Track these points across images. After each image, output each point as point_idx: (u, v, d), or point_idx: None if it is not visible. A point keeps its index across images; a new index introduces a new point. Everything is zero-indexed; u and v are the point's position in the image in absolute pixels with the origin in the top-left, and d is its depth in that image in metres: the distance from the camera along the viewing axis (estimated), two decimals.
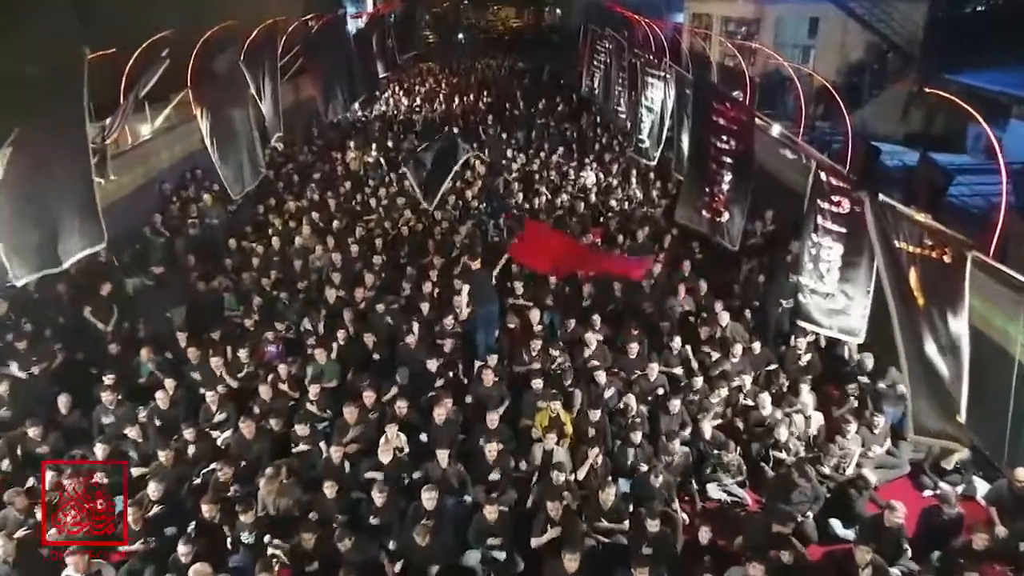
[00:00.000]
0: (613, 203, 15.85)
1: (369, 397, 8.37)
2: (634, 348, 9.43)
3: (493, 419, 7.87)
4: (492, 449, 7.40)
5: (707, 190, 10.85)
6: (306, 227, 13.46)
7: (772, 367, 9.63)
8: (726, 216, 10.78)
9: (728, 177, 10.58)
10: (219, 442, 8.29)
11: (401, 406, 8.17)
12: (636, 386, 8.98)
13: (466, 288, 9.64)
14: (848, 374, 9.45)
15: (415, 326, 10.03)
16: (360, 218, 14.97)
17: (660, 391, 8.96)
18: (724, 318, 10.28)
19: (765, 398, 8.30)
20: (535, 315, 10.23)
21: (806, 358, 9.60)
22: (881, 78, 19.59)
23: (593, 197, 16.14)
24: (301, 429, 7.86)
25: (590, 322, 10.26)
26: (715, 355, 9.77)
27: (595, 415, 8.07)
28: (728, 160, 10.50)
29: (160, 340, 9.92)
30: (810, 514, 7.03)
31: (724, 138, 10.50)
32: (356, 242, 12.95)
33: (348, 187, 16.41)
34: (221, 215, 13.88)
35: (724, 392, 8.57)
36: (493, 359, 8.96)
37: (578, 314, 10.87)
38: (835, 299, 8.34)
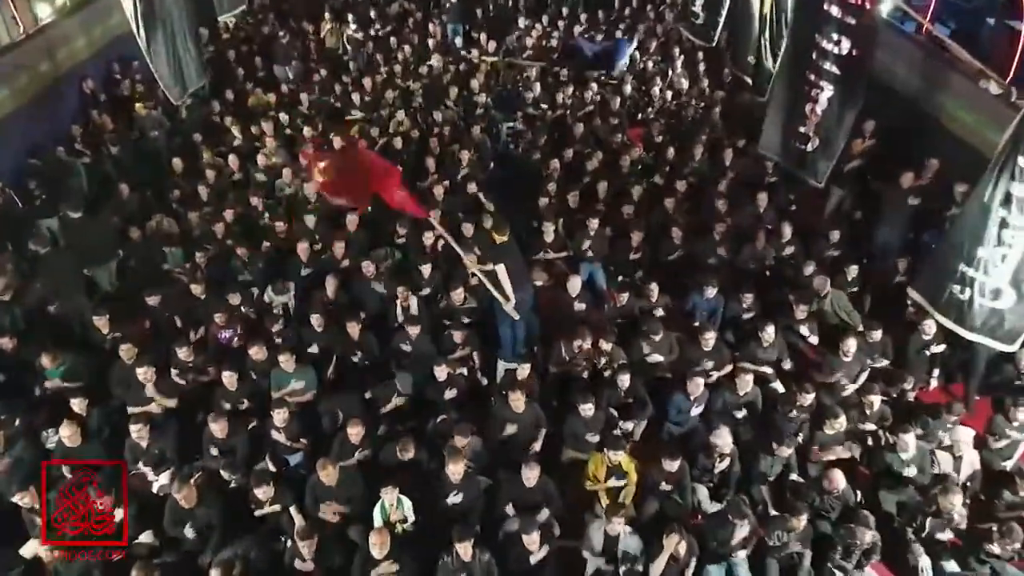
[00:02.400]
0: (655, 93, 12.75)
1: (356, 433, 6.05)
2: (710, 338, 7.00)
3: (531, 477, 5.61)
4: (533, 541, 5.19)
5: (799, 110, 7.93)
6: (270, 140, 10.51)
7: (883, 362, 7.27)
8: (815, 143, 7.95)
9: (829, 93, 7.60)
10: (156, 489, 6.09)
11: (405, 448, 5.89)
12: (719, 399, 6.66)
13: (502, 270, 6.75)
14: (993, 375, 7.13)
15: (413, 303, 7.54)
16: (340, 120, 11.98)
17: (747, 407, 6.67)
18: (823, 285, 7.78)
19: (908, 440, 5.95)
20: (575, 285, 7.68)
21: (937, 348, 7.24)
22: None
23: (628, 87, 13.00)
24: (263, 492, 5.59)
25: (645, 292, 7.78)
26: (810, 337, 7.41)
27: (672, 464, 5.79)
28: (834, 70, 7.45)
29: (73, 329, 7.45)
30: None
31: (835, 36, 7.43)
32: None
33: (324, 75, 13.14)
34: (159, 124, 10.77)
35: (842, 421, 6.20)
36: (525, 370, 6.55)
37: (628, 274, 8.41)
38: (1001, 296, 5.85)
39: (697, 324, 7.42)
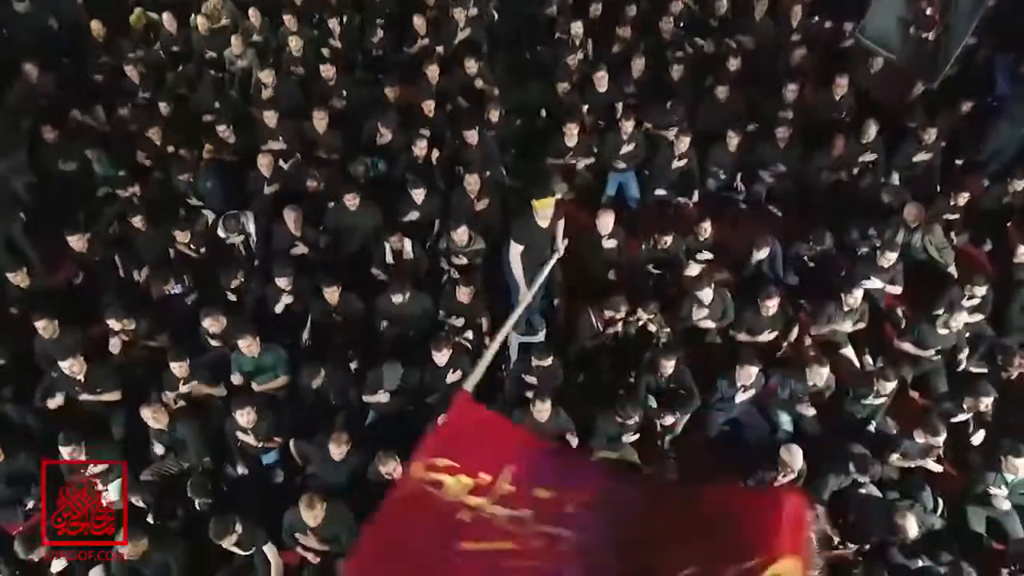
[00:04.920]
0: None
1: (339, 448, 4.89)
2: (772, 305, 5.58)
3: None
4: None
5: None
6: None
7: (976, 318, 5.82)
8: (938, 30, 5.97)
9: None
10: (105, 503, 5.04)
11: (388, 468, 4.74)
12: (784, 386, 5.42)
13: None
14: None
15: (407, 245, 6.04)
16: None
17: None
18: (916, 215, 6.22)
19: (1020, 465, 4.75)
20: (605, 223, 6.06)
21: None
22: None
23: None
24: (228, 541, 4.50)
25: (694, 229, 6.24)
26: (893, 288, 6.02)
27: None
28: None
29: None
30: None
31: None
32: (296, 18, 7.84)
33: None
34: None
35: (942, 439, 4.95)
36: (547, 360, 5.19)
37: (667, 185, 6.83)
38: None
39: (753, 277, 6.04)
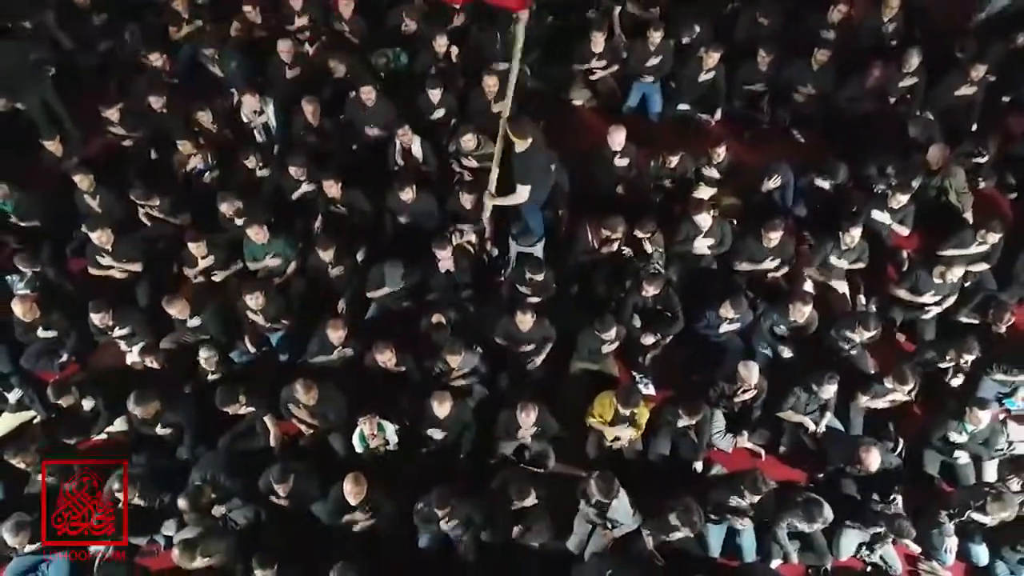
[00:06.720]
0: None
1: (337, 336, 5.27)
2: (775, 237, 5.61)
3: (527, 423, 4.94)
4: (528, 502, 4.70)
5: None
6: None
7: (981, 267, 5.81)
8: None
9: None
10: (129, 362, 5.59)
11: (384, 358, 5.14)
12: (766, 320, 5.55)
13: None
14: None
15: (415, 144, 6.13)
16: None
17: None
18: (939, 157, 6.06)
19: (983, 417, 4.84)
20: (617, 139, 6.04)
21: None
22: None
23: None
24: (234, 409, 5.00)
25: (708, 152, 6.17)
26: (900, 228, 5.98)
27: (690, 420, 4.99)
28: None
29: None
30: None
31: None
32: None
33: None
34: None
35: (908, 387, 5.11)
36: (539, 275, 5.40)
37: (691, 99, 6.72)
38: None
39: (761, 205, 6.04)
